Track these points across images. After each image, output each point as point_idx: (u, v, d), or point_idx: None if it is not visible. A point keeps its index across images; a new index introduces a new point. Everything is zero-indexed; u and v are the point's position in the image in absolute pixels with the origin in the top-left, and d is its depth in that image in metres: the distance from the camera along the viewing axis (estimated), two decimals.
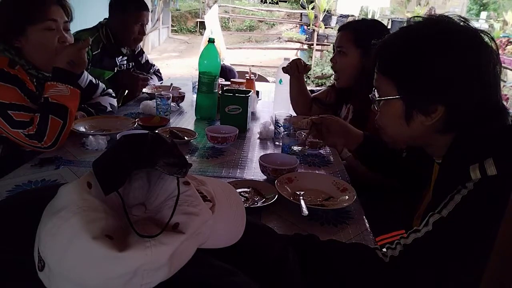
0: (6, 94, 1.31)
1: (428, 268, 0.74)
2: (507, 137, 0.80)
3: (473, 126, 0.81)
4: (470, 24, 0.83)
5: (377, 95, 0.92)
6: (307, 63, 1.94)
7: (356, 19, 1.90)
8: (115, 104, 1.92)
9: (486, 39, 0.81)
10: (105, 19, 2.24)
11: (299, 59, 1.93)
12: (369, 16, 7.89)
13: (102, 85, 1.88)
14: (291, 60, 1.93)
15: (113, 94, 1.95)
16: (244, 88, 2.00)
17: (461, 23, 0.83)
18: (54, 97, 1.36)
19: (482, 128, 0.80)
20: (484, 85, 0.80)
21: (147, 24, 2.28)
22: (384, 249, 0.80)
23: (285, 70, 1.89)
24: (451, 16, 0.85)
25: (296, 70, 1.87)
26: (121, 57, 2.30)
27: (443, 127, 0.84)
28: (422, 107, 0.83)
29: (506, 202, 0.70)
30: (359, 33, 1.64)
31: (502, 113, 0.83)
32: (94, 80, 1.84)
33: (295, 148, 1.43)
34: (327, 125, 1.30)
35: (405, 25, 0.89)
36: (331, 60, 1.78)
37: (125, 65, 2.34)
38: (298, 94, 1.93)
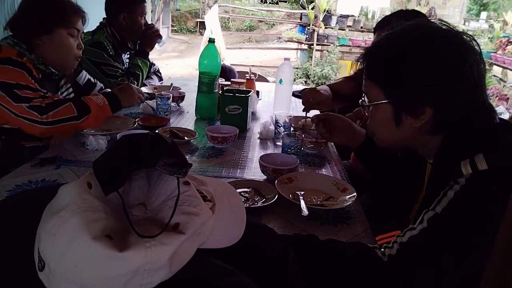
0: (14, 76, 1.35)
1: (426, 264, 0.75)
2: (496, 134, 0.82)
3: (462, 126, 0.82)
4: (451, 27, 0.84)
5: (366, 100, 0.94)
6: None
7: (392, 12, 1.78)
8: None
9: (469, 40, 0.82)
10: (104, 18, 2.24)
11: (313, 89, 1.82)
12: (369, 16, 7.87)
13: (99, 84, 1.91)
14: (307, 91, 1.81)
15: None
16: (244, 88, 2.00)
17: (443, 27, 0.84)
18: (87, 98, 1.46)
19: (471, 127, 0.82)
20: (470, 85, 0.81)
21: (146, 14, 2.33)
22: (383, 249, 0.81)
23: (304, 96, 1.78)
24: (433, 21, 0.86)
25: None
26: (125, 54, 2.33)
27: (432, 128, 0.85)
28: (410, 110, 0.84)
29: (498, 195, 0.72)
30: None
31: (489, 111, 0.84)
32: (92, 80, 1.88)
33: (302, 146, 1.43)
34: (332, 121, 1.32)
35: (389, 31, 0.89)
36: None
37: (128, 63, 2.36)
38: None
